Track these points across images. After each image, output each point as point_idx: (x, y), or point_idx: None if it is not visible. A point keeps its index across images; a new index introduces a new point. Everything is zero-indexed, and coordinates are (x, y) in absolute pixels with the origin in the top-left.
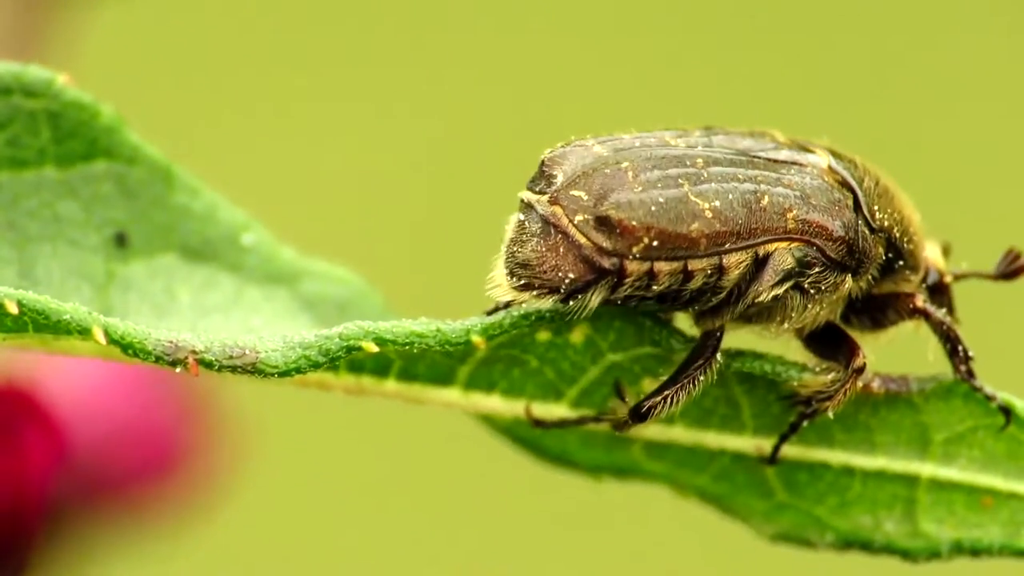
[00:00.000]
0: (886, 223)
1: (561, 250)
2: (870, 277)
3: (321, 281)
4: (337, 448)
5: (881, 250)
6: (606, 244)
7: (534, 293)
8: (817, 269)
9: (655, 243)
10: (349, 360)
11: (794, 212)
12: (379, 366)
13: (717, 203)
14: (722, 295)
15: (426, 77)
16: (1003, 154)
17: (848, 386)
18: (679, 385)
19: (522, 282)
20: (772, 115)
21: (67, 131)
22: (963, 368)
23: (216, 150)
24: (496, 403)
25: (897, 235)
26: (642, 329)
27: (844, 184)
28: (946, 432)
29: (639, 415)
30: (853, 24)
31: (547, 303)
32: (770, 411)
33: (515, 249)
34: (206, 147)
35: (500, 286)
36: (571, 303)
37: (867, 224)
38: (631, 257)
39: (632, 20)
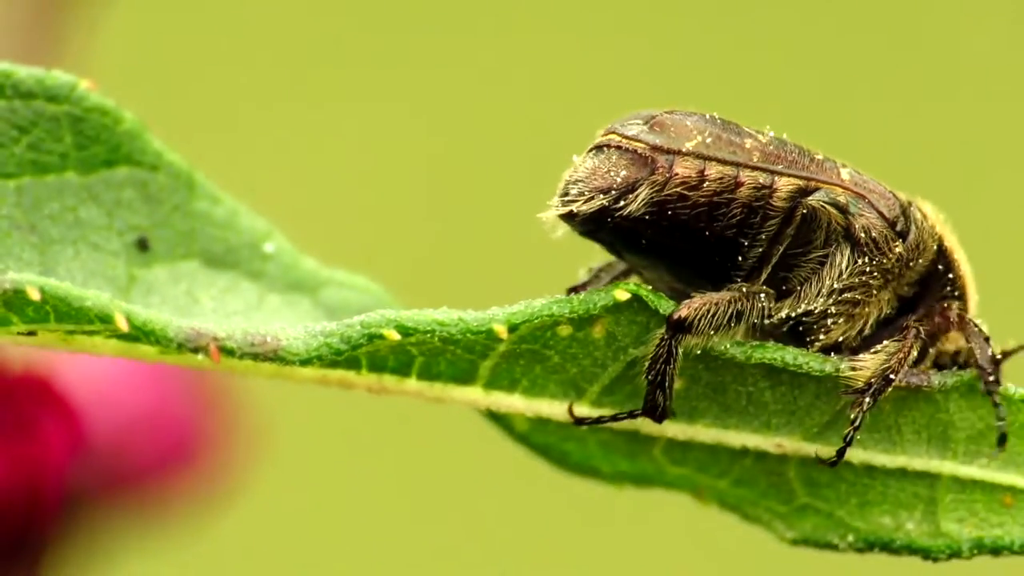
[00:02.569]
0: (940, 224)
1: (614, 158)
2: (915, 274)
3: (342, 289)
4: (353, 445)
5: (931, 242)
6: (659, 141)
7: (584, 199)
8: (868, 214)
9: (709, 141)
10: (371, 358)
11: (849, 170)
12: (400, 364)
13: (773, 138)
14: (768, 227)
15: (426, 77)
16: (1005, 147)
17: (907, 351)
18: (723, 303)
19: (571, 196)
20: (774, 112)
21: (90, 136)
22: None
23: (217, 150)
24: (517, 402)
25: (948, 243)
26: (663, 323)
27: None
28: (967, 430)
29: (678, 322)
30: (863, 22)
31: (597, 204)
32: (793, 407)
33: (568, 176)
34: (206, 146)
35: (550, 212)
36: (621, 202)
37: (919, 209)
38: (685, 152)
39: (633, 19)
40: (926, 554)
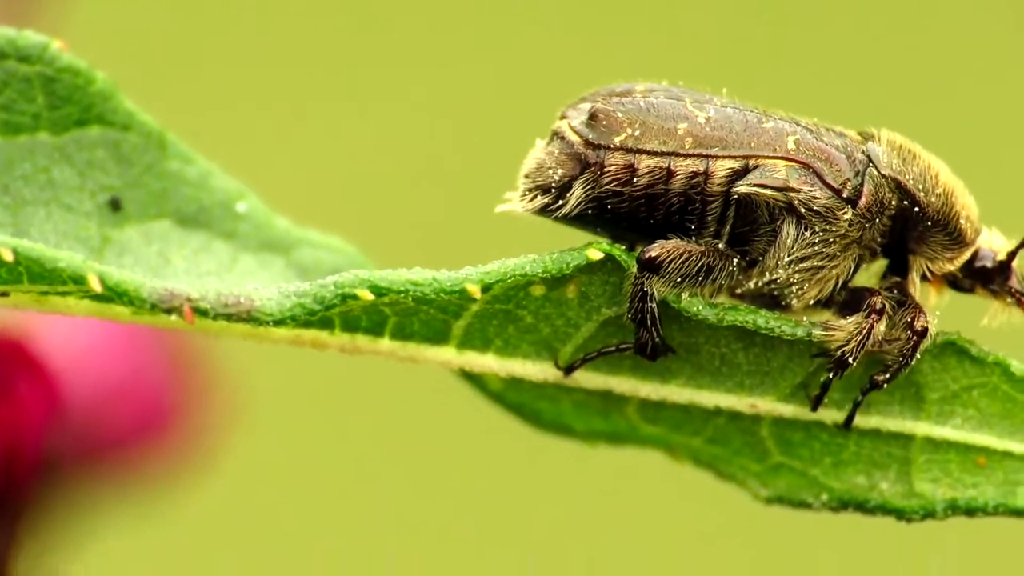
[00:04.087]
0: (897, 169)
1: (555, 152)
2: (882, 227)
3: (316, 249)
4: (329, 409)
5: (891, 195)
6: (591, 136)
7: (528, 196)
8: (808, 188)
9: (637, 133)
10: (344, 319)
11: (798, 137)
12: (374, 324)
13: (713, 113)
14: (711, 211)
15: (427, 77)
16: (1005, 138)
17: (870, 326)
18: (696, 253)
19: (520, 191)
20: (777, 105)
21: (62, 96)
22: None
23: (219, 149)
24: (491, 362)
25: (911, 183)
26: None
27: (865, 137)
28: (940, 391)
29: (648, 261)
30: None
31: (539, 203)
32: (767, 368)
33: (523, 166)
34: (204, 148)
35: (503, 207)
36: (559, 201)
37: (876, 167)
38: (613, 147)
39: (637, 17)
40: (900, 514)
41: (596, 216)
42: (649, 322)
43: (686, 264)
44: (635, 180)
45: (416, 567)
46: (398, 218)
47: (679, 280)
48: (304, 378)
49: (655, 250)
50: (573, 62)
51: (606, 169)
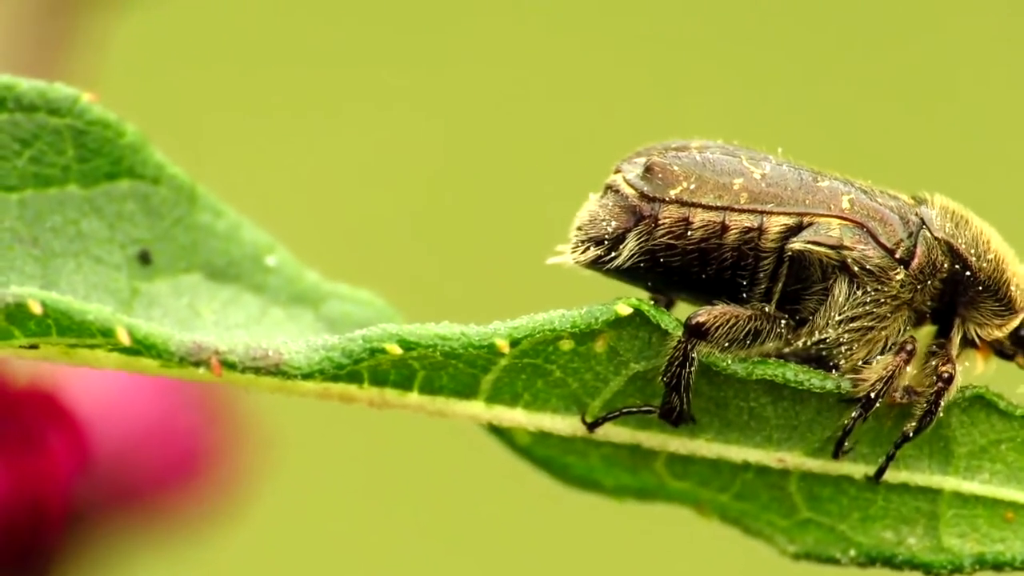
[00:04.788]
0: (950, 233)
1: (610, 205)
2: (933, 290)
3: (344, 302)
4: (357, 459)
5: (943, 258)
6: (647, 189)
7: (581, 248)
8: (862, 247)
9: (693, 187)
10: (372, 372)
11: (852, 196)
12: (402, 378)
13: (768, 170)
14: (763, 267)
15: (429, 76)
16: (1004, 138)
17: (899, 364)
18: (743, 317)
19: (572, 243)
20: (778, 107)
21: (92, 149)
22: None
23: (221, 148)
24: (519, 416)
25: (963, 247)
26: (666, 337)
27: (918, 201)
28: (968, 445)
29: (696, 327)
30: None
31: (591, 255)
32: (795, 422)
33: (577, 218)
34: (213, 145)
35: (555, 260)
36: (612, 254)
37: (929, 230)
38: (668, 200)
39: (643, 21)
40: (928, 569)
41: (648, 270)
42: (683, 388)
43: (734, 329)
44: (689, 234)
45: None
46: (404, 224)
47: (727, 345)
48: (332, 427)
49: (703, 315)
50: (582, 62)
51: (660, 222)
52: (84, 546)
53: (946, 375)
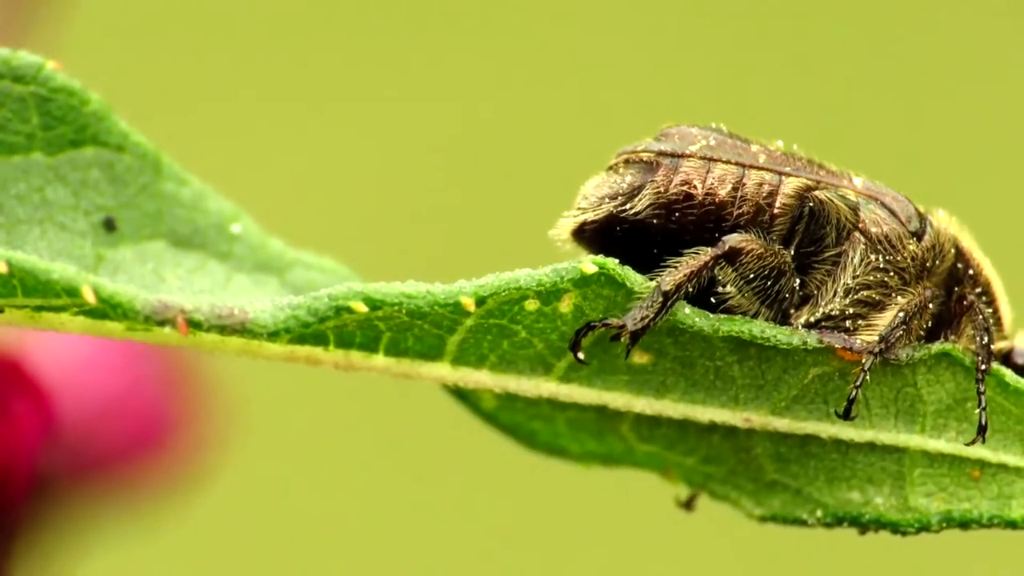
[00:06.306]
0: (956, 231)
1: (621, 170)
2: (935, 285)
3: (309, 270)
4: (324, 425)
5: (949, 248)
6: (665, 147)
7: (592, 208)
8: (879, 211)
9: (713, 143)
10: (338, 334)
11: (862, 180)
12: (368, 340)
13: (782, 148)
14: (779, 225)
15: (431, 76)
16: (1003, 137)
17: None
18: (768, 256)
19: (580, 207)
20: (778, 105)
21: (56, 117)
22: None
23: (218, 152)
24: (485, 378)
25: (966, 246)
26: (631, 297)
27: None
28: (935, 404)
29: (733, 248)
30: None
31: (605, 209)
32: (761, 381)
33: (580, 193)
34: (206, 149)
35: (562, 224)
36: (627, 205)
37: (936, 222)
38: (688, 155)
39: (651, 14)
40: (895, 528)
41: (661, 226)
42: (669, 304)
43: (760, 261)
44: (709, 182)
45: None
46: (409, 219)
47: (749, 277)
48: (299, 394)
49: (739, 238)
50: (588, 59)
51: (680, 171)
52: (49, 515)
53: (969, 299)
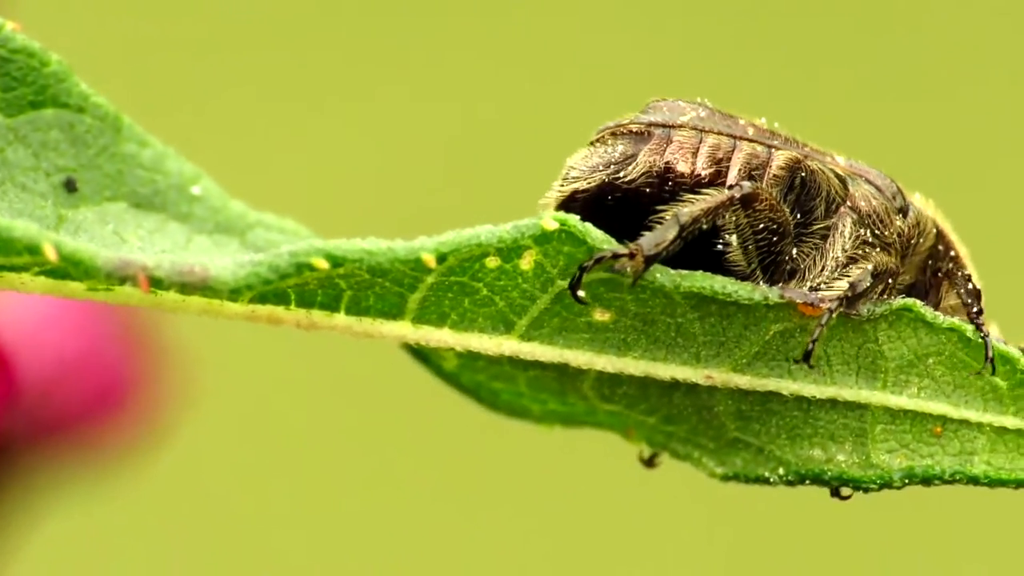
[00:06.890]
0: (935, 215)
1: (610, 142)
2: (919, 259)
3: (270, 231)
4: (285, 386)
5: (931, 227)
6: (656, 118)
7: (584, 178)
8: (867, 186)
9: (703, 115)
10: (299, 293)
11: (844, 158)
12: (329, 299)
13: (765, 124)
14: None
15: (431, 76)
16: (1000, 137)
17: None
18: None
19: (570, 177)
20: (778, 105)
21: (16, 78)
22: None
23: (217, 148)
24: (446, 336)
25: (946, 228)
26: (593, 253)
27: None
28: (897, 360)
29: (751, 192)
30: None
31: (599, 177)
32: (722, 338)
33: (567, 164)
34: (206, 145)
35: (551, 194)
36: (622, 172)
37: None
38: (679, 125)
39: (653, 8)
40: (857, 485)
41: (654, 194)
42: (681, 237)
43: (773, 213)
44: (704, 150)
45: (371, 543)
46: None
47: (758, 228)
48: (260, 355)
49: (755, 184)
50: (588, 54)
51: (673, 141)
52: (9, 477)
53: (946, 268)
